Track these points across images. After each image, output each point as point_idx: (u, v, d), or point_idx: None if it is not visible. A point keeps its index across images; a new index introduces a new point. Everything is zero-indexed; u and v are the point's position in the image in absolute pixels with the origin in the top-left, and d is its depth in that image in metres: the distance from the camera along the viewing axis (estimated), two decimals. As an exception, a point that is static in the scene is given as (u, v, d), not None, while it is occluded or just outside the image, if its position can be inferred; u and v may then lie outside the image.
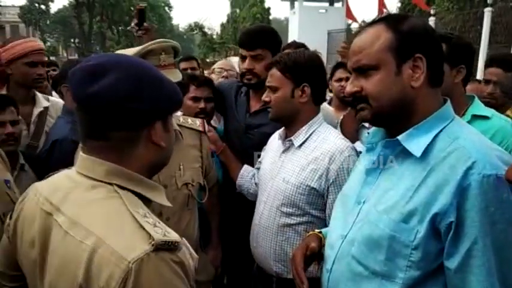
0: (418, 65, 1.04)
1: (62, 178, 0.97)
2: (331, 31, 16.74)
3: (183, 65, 3.61)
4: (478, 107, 1.71)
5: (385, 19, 1.09)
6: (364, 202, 1.13)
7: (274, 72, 1.68)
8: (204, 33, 26.00)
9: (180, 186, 1.69)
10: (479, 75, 6.52)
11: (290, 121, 1.71)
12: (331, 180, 1.58)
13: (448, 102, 1.10)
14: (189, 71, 3.46)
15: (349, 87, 1.11)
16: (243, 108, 2.20)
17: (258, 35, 2.11)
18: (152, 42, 1.60)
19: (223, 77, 2.99)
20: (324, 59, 15.98)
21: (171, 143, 1.00)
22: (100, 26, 38.82)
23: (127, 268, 0.74)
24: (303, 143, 1.67)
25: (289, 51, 1.77)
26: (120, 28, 39.97)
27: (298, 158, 1.67)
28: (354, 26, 17.22)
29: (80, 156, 0.93)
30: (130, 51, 1.53)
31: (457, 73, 1.67)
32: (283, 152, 1.73)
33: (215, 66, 3.07)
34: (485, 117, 1.66)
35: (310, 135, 1.68)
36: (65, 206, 0.88)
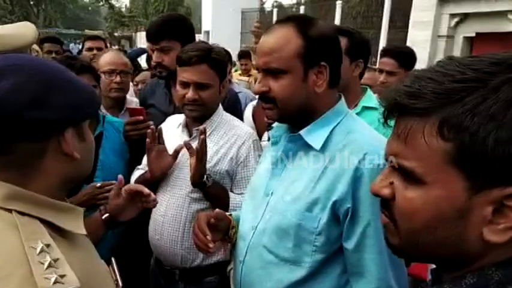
0: (321, 72, 1.10)
1: None
2: (244, 10, 16.77)
3: (88, 43, 3.40)
4: (369, 99, 1.87)
5: (295, 21, 1.12)
6: (272, 194, 1.19)
7: (205, 69, 1.61)
8: (111, 6, 24.42)
9: None
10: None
11: (209, 115, 1.71)
12: (239, 162, 1.65)
13: (342, 99, 1.20)
14: (95, 51, 3.26)
15: (258, 86, 1.14)
16: (165, 99, 2.14)
17: (161, 27, 2.04)
18: None
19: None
20: (238, 38, 16.04)
21: (89, 153, 0.88)
22: (-12, -7, 34.49)
23: None
24: (212, 131, 1.70)
25: (208, 46, 1.69)
26: (13, -4, 35.91)
27: (207, 145, 1.66)
28: (267, 5, 17.46)
29: None
30: None
31: (356, 67, 1.79)
32: (189, 141, 1.69)
33: (102, 62, 2.21)
34: (374, 108, 1.81)
35: (217, 123, 1.71)
36: None
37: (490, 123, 0.50)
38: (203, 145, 1.51)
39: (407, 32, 8.70)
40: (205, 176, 1.56)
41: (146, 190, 1.34)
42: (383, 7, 10.82)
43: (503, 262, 0.54)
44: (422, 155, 0.56)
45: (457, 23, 7.69)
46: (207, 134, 1.66)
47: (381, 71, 2.51)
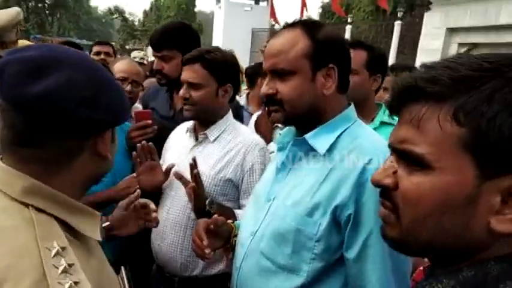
0: (330, 74, 1.09)
1: None
2: (255, 29, 16.97)
3: (97, 48, 3.48)
4: (386, 115, 1.87)
5: (302, 24, 1.12)
6: (274, 199, 1.17)
7: (198, 69, 1.61)
8: (125, 19, 24.85)
9: None
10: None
11: (208, 118, 1.69)
12: (245, 171, 1.62)
13: (352, 106, 1.18)
14: (102, 55, 3.35)
15: (265, 89, 1.13)
16: (166, 104, 2.16)
17: (164, 36, 2.07)
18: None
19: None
20: (247, 56, 16.19)
21: (114, 154, 0.88)
22: (5, 1, 35.24)
23: None
24: (218, 137, 1.68)
25: (207, 48, 1.71)
26: (29, 4, 36.63)
27: (211, 150, 1.66)
28: (278, 25, 17.65)
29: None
30: None
31: (374, 81, 1.79)
32: (195, 146, 1.70)
33: (116, 69, 2.12)
34: (391, 124, 1.82)
35: (224, 129, 1.69)
36: None
37: (507, 111, 0.50)
38: (196, 179, 1.53)
39: (415, 58, 8.75)
40: (207, 203, 1.53)
41: (154, 206, 1.36)
42: (392, 33, 10.92)
43: (503, 257, 0.54)
44: (434, 140, 0.55)
45: (467, 52, 7.75)
46: (212, 139, 1.66)
47: (385, 89, 2.46)
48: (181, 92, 1.64)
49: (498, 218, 0.52)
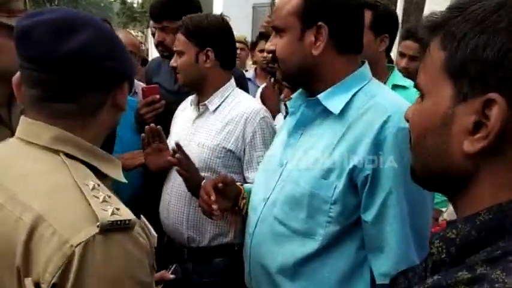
0: (320, 33, 1.05)
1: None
2: (256, 5, 16.66)
3: None
4: (398, 77, 1.80)
5: None
6: (286, 163, 1.14)
7: (179, 36, 1.64)
8: (124, 1, 24.55)
9: None
10: (393, 51, 6.91)
11: (200, 86, 1.67)
12: (246, 141, 1.59)
13: (366, 64, 1.14)
14: None
15: (268, 44, 1.15)
16: (169, 78, 2.11)
17: (164, 6, 2.03)
18: None
19: None
20: (249, 32, 15.95)
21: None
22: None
23: (69, 252, 0.65)
24: (218, 107, 1.65)
25: (193, 15, 1.69)
26: (27, -8, 36.19)
27: (213, 121, 1.64)
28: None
29: (24, 120, 0.81)
30: None
31: (381, 42, 1.71)
32: (197, 117, 1.68)
33: None
34: (404, 87, 1.76)
35: (225, 99, 1.65)
36: (2, 177, 0.77)
37: (475, 28, 0.50)
38: (181, 162, 1.49)
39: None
40: (203, 183, 1.50)
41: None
42: (396, 1, 10.67)
43: None
44: (427, 68, 0.57)
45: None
46: (212, 110, 1.63)
47: (402, 54, 2.28)
48: (171, 61, 1.68)
49: (469, 139, 0.52)
